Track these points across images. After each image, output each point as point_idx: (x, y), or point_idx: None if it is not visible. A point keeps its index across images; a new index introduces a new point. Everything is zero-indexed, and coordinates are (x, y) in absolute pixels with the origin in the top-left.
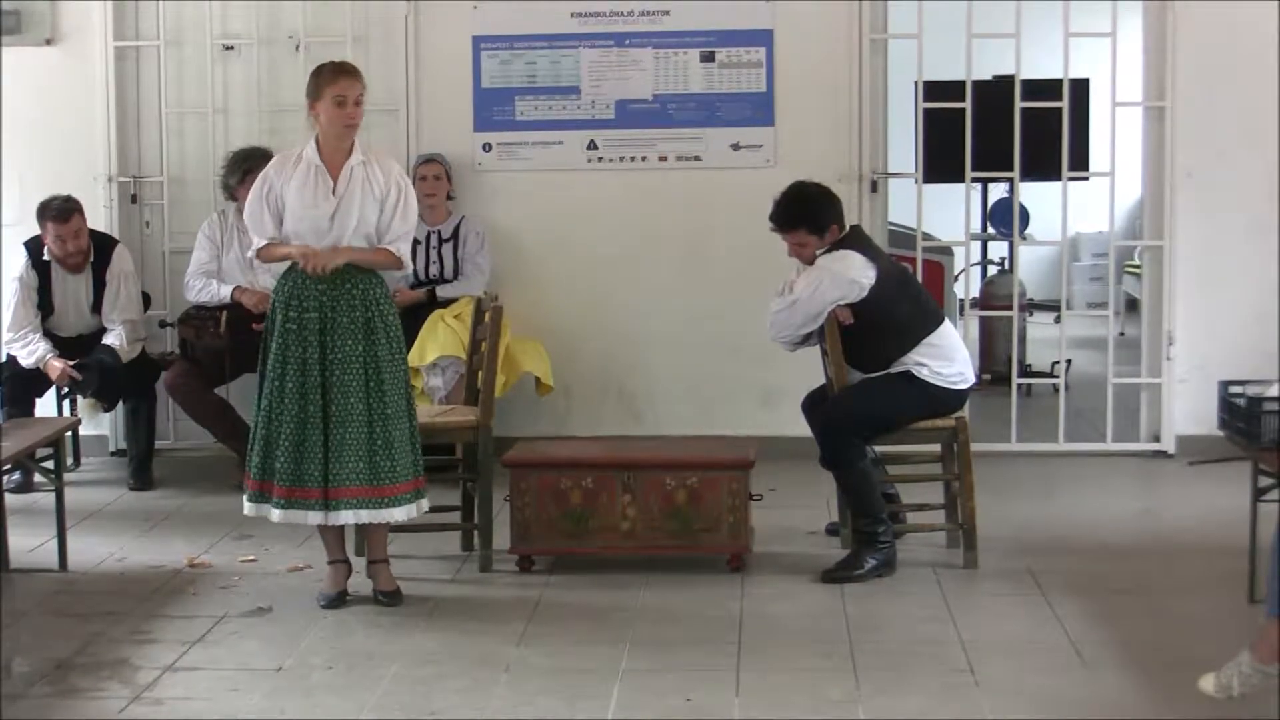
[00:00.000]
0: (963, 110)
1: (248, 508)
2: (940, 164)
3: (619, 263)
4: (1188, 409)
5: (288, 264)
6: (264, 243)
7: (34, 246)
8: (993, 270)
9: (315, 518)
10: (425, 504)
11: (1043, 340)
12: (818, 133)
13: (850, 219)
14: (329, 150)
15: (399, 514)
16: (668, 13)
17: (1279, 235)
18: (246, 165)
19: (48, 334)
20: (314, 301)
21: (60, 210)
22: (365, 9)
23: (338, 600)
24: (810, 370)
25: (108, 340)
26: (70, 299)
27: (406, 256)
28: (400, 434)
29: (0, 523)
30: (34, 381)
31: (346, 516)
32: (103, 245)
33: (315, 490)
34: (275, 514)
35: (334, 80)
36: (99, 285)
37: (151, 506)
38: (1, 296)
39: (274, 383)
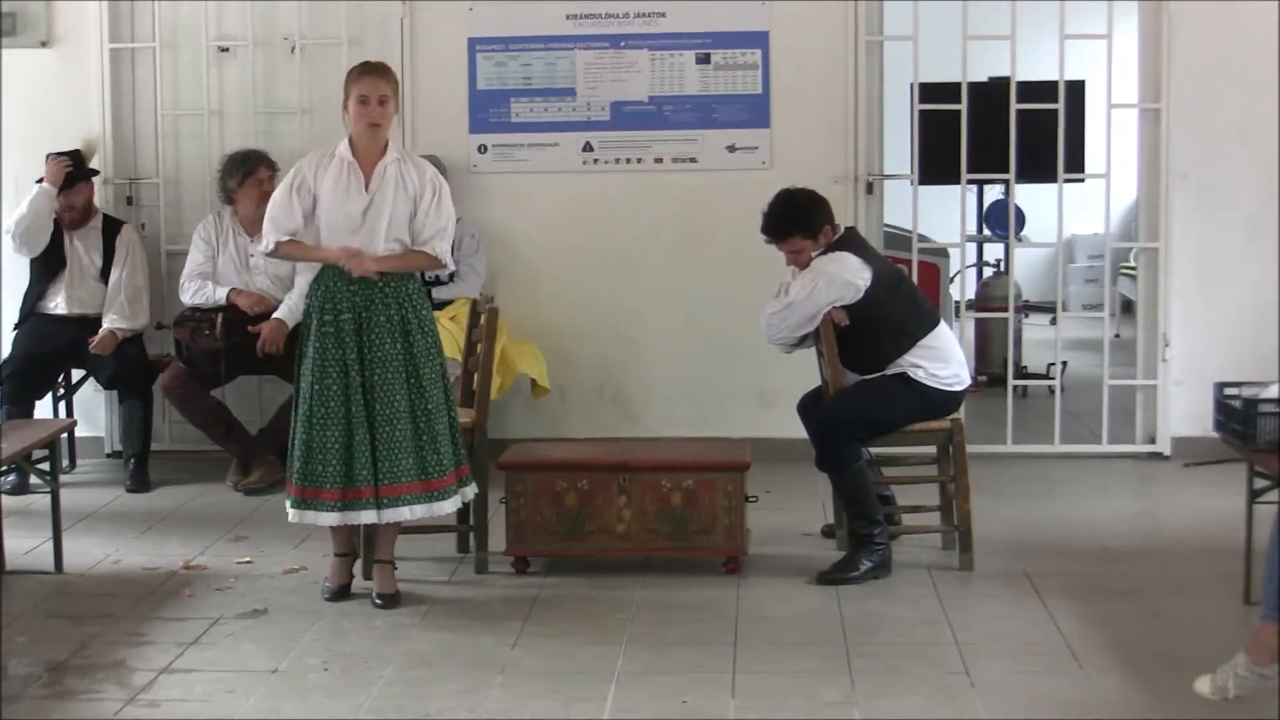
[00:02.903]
0: (958, 112)
1: (291, 515)
2: (936, 166)
3: (615, 264)
4: (1183, 410)
5: (305, 267)
6: (286, 238)
7: None
8: (988, 272)
9: (369, 516)
10: (470, 490)
11: (1038, 342)
12: (813, 134)
13: (846, 221)
14: (362, 148)
15: (447, 506)
16: (663, 15)
17: (1276, 236)
18: (245, 168)
19: (49, 314)
20: (348, 303)
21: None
22: (361, 10)
23: (342, 593)
24: (806, 372)
25: (106, 326)
26: (78, 260)
27: (443, 254)
28: (441, 427)
29: None
30: (34, 380)
31: (403, 513)
32: (111, 223)
33: (368, 490)
34: (331, 518)
35: (358, 79)
36: (109, 253)
37: (147, 508)
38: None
39: (314, 386)
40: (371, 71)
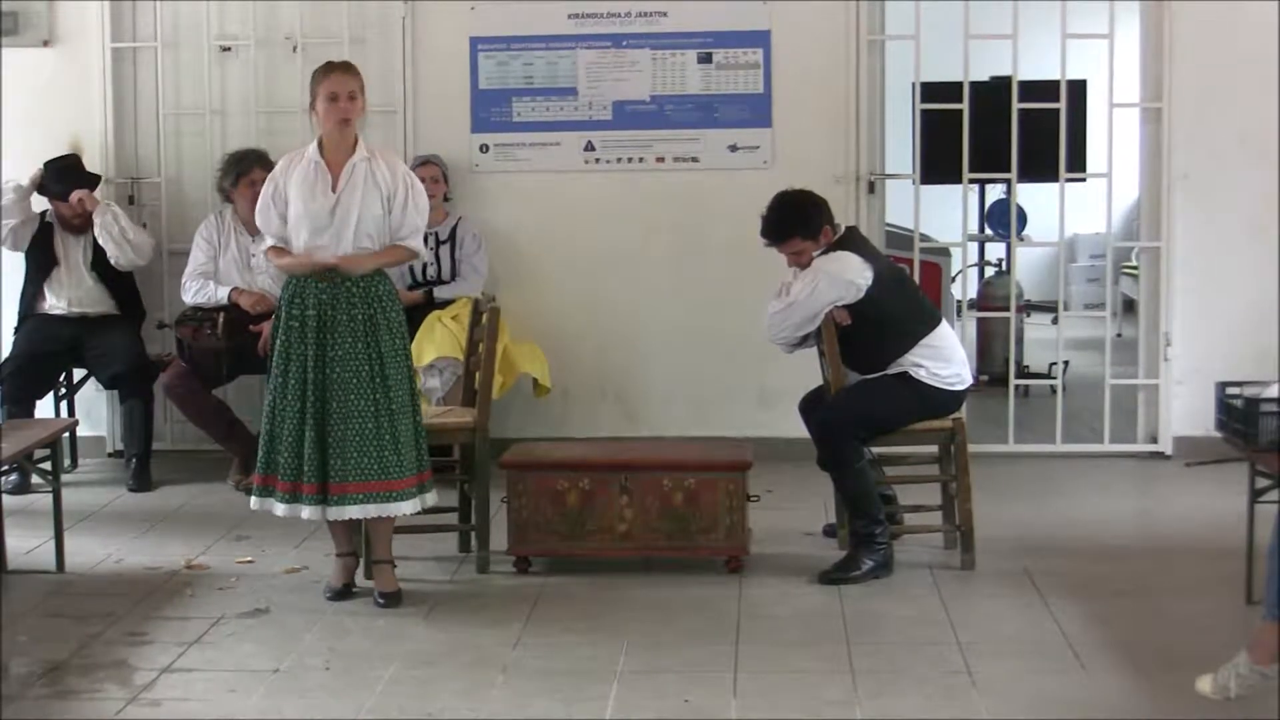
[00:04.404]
0: (960, 111)
1: (253, 502)
2: (938, 165)
3: (616, 264)
4: (1185, 410)
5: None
6: (272, 242)
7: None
8: (990, 271)
9: (310, 512)
10: (430, 498)
11: (1040, 341)
12: (815, 134)
13: (847, 220)
14: (331, 148)
15: (406, 507)
16: (665, 14)
17: (1277, 236)
18: (240, 168)
19: (48, 314)
20: (313, 300)
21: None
22: (362, 10)
23: (344, 593)
24: (807, 371)
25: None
26: (69, 258)
27: (419, 248)
28: (405, 428)
29: None
30: (35, 380)
31: (353, 511)
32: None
33: (310, 485)
34: (280, 508)
35: (325, 77)
36: (99, 247)
37: (149, 508)
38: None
39: (277, 379)
40: (339, 69)
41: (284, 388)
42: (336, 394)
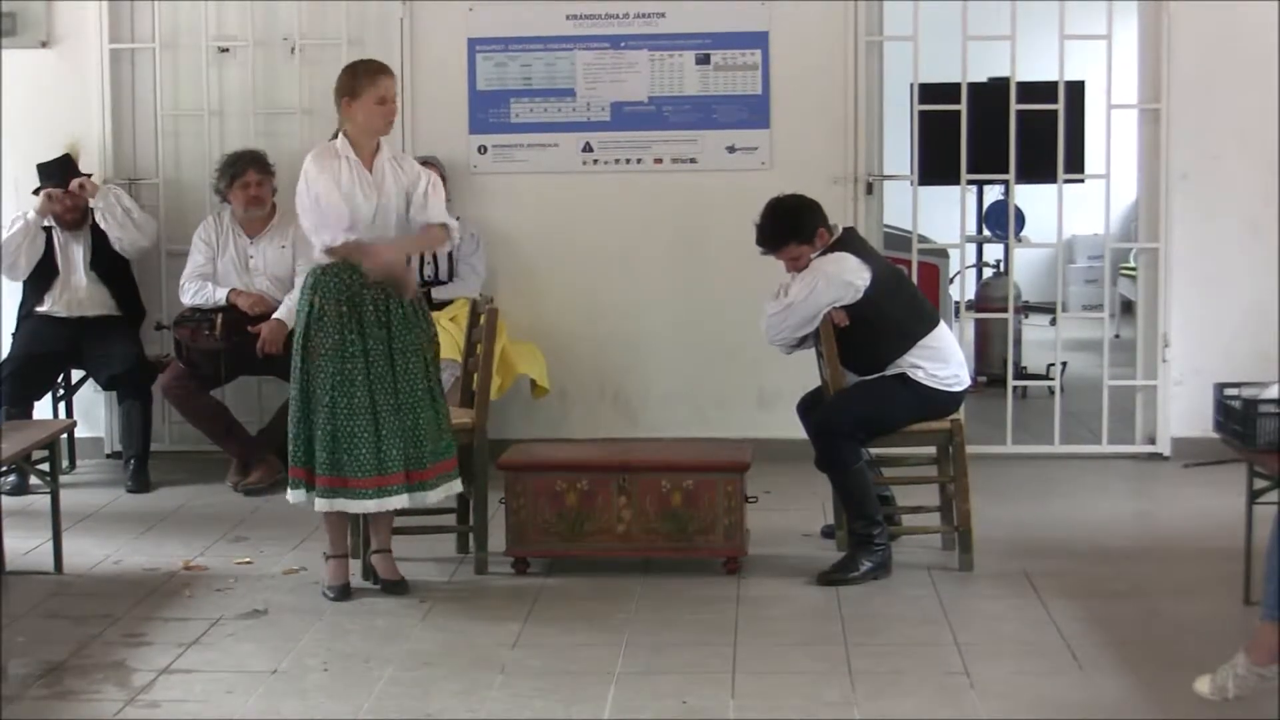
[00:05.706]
0: (958, 112)
1: (320, 504)
2: (936, 166)
3: (615, 265)
4: (1183, 411)
5: (311, 265)
6: (346, 236)
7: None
8: (988, 272)
9: (400, 501)
10: (457, 484)
11: (1038, 342)
12: (813, 135)
13: (845, 221)
14: (364, 147)
15: (456, 486)
16: (663, 15)
17: (1276, 237)
18: (234, 170)
19: (47, 315)
20: (370, 294)
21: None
22: (361, 11)
23: (345, 591)
24: (806, 372)
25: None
26: (69, 263)
27: (453, 225)
28: (444, 410)
29: None
30: (33, 381)
31: (431, 497)
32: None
33: (398, 475)
34: (369, 505)
35: (375, 79)
36: (99, 249)
37: (147, 509)
38: None
39: (333, 378)
40: (387, 72)
41: (348, 384)
42: (406, 384)
